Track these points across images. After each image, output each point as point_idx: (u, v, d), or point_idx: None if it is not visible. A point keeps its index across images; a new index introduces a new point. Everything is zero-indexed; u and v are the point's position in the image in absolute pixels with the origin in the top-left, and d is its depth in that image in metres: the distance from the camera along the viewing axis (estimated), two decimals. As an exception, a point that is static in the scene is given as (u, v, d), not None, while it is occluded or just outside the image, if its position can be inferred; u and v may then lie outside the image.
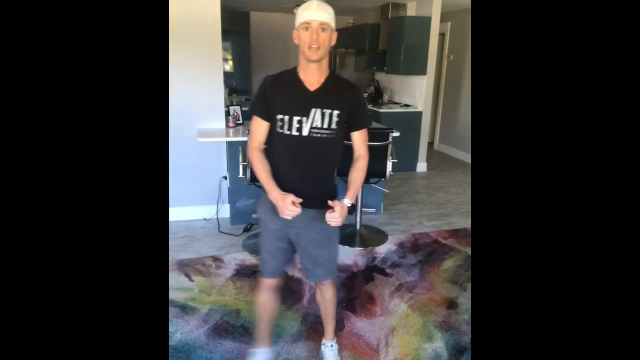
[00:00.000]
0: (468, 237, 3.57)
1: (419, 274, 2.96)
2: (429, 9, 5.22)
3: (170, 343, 2.17)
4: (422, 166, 5.66)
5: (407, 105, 5.58)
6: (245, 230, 3.63)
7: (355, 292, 2.72)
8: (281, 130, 1.65)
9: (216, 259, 3.10)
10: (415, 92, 5.53)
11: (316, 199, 1.72)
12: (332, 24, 1.60)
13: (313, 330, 2.32)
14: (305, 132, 1.63)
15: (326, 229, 1.76)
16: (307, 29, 1.56)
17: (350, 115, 1.69)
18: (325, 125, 1.64)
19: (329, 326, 2.07)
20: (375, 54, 6.09)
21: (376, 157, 3.25)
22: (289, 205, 1.61)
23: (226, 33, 4.60)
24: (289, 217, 1.63)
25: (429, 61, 5.32)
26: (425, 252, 3.30)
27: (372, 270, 3.00)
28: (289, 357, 2.12)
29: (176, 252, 3.17)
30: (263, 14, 7.17)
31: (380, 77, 6.46)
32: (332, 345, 2.07)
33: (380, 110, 5.33)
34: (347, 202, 1.71)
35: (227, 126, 3.70)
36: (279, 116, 1.64)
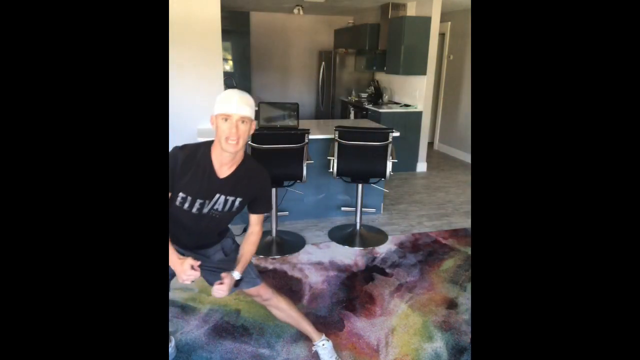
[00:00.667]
0: (468, 237, 3.57)
1: (419, 274, 2.96)
2: (429, 9, 5.22)
3: (170, 343, 2.17)
4: (422, 166, 5.66)
5: (407, 105, 5.58)
6: (245, 230, 3.62)
7: (355, 292, 2.72)
8: (180, 205, 1.66)
9: (216, 259, 3.10)
10: (415, 92, 5.53)
11: (207, 244, 1.86)
12: (252, 115, 1.59)
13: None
14: (204, 212, 1.68)
15: (224, 258, 1.88)
16: (226, 119, 1.54)
17: (252, 201, 1.76)
18: (227, 209, 1.71)
19: (307, 329, 2.06)
20: (375, 54, 6.09)
21: (376, 157, 3.26)
22: (187, 270, 1.61)
23: (226, 33, 4.60)
24: (187, 282, 1.64)
25: (429, 61, 5.33)
26: (425, 252, 3.30)
27: (372, 270, 3.00)
28: (289, 357, 2.12)
29: (176, 252, 3.17)
30: (263, 14, 7.16)
31: (380, 77, 6.46)
32: (323, 344, 2.05)
33: (380, 110, 5.33)
34: (237, 275, 1.76)
35: (227, 126, 3.69)
36: (182, 194, 1.64)
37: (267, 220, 3.67)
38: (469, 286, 2.78)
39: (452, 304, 2.59)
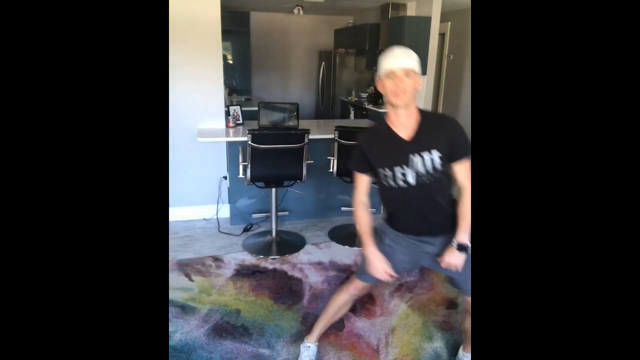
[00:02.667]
0: (468, 237, 3.57)
1: (419, 274, 2.96)
2: (429, 9, 5.22)
3: (170, 343, 2.17)
4: (422, 166, 5.65)
5: (407, 105, 5.57)
6: (245, 230, 3.63)
7: (355, 292, 2.71)
8: (387, 184, 1.66)
9: (216, 259, 3.10)
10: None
11: (436, 230, 1.73)
12: (416, 68, 1.57)
13: (311, 331, 2.32)
14: (412, 182, 1.62)
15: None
16: (391, 77, 1.55)
17: (450, 149, 1.61)
18: (430, 170, 1.60)
19: (320, 328, 2.08)
20: (375, 54, 6.08)
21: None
22: (380, 272, 1.69)
23: (226, 33, 4.59)
24: (380, 277, 1.70)
25: (429, 61, 5.32)
26: (425, 252, 3.30)
27: (372, 270, 3.00)
28: (289, 357, 2.12)
29: (176, 252, 3.17)
30: (263, 14, 7.16)
31: (380, 77, 6.44)
32: (309, 346, 2.08)
33: (381, 111, 5.33)
34: (460, 243, 1.64)
35: (227, 126, 3.70)
36: (380, 170, 1.65)
37: (266, 220, 3.68)
38: (469, 286, 2.78)
39: (452, 304, 2.59)
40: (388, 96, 1.57)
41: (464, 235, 1.62)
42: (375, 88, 6.24)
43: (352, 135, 3.22)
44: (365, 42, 6.06)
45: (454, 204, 1.70)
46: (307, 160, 3.15)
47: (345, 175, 3.36)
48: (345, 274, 2.95)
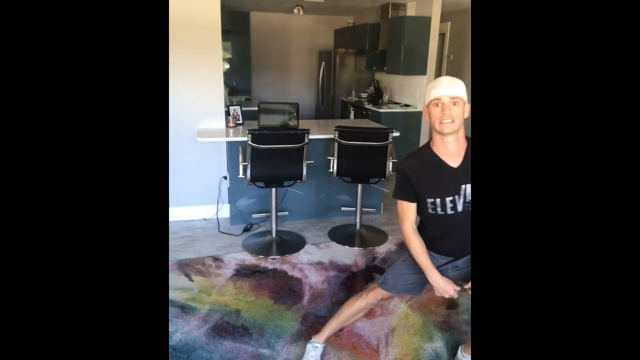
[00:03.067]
0: (468, 237, 3.57)
1: (419, 274, 2.96)
2: (429, 9, 5.22)
3: (170, 343, 2.17)
4: (422, 166, 5.65)
5: (407, 105, 5.58)
6: (245, 230, 3.63)
7: (355, 292, 2.71)
8: (434, 212, 1.63)
9: (216, 259, 3.10)
10: (415, 92, 5.53)
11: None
12: (464, 96, 1.56)
13: (313, 330, 2.31)
14: (460, 209, 1.60)
15: None
16: (437, 104, 1.53)
17: None
18: None
19: (329, 329, 2.06)
20: (375, 54, 6.09)
21: (376, 157, 3.26)
22: (451, 291, 1.67)
23: (226, 33, 4.59)
24: (450, 295, 1.69)
25: (429, 61, 5.32)
26: (425, 252, 3.30)
27: (372, 270, 3.00)
28: (289, 357, 2.12)
29: (176, 252, 3.17)
30: (263, 14, 7.16)
31: (380, 77, 6.46)
32: (317, 347, 2.06)
33: (380, 110, 5.33)
34: None
35: (227, 126, 3.70)
36: (430, 200, 1.62)
37: (266, 220, 3.68)
38: (469, 286, 2.78)
39: (452, 304, 2.59)
40: (434, 123, 1.56)
41: None
42: (375, 88, 6.24)
43: (352, 135, 3.23)
44: (365, 42, 6.06)
45: None
46: (307, 160, 3.15)
47: (345, 175, 3.36)
48: (345, 273, 2.95)
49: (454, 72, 6.47)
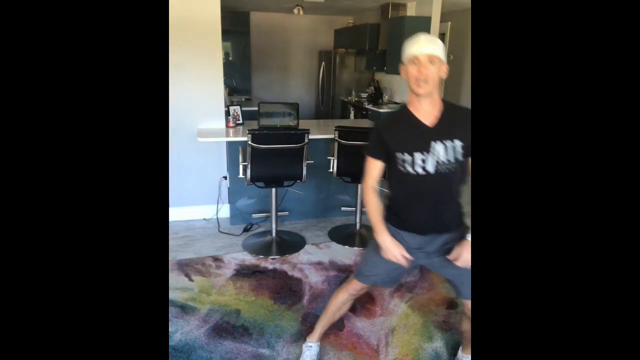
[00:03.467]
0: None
1: (419, 274, 2.96)
2: (429, 9, 5.22)
3: (170, 343, 2.17)
4: (422, 166, 5.65)
5: (407, 105, 5.57)
6: (245, 230, 3.63)
7: (355, 292, 2.72)
8: (404, 170, 1.61)
9: (216, 259, 3.10)
10: (415, 92, 5.52)
11: (445, 227, 1.71)
12: (441, 55, 1.55)
13: (313, 330, 2.32)
14: (431, 170, 1.58)
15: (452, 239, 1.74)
16: (414, 62, 1.53)
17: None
18: (452, 159, 1.58)
19: (321, 327, 2.07)
20: (375, 54, 6.09)
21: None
22: (398, 256, 1.63)
23: (226, 33, 4.59)
24: (397, 261, 1.65)
25: (429, 61, 5.32)
26: (425, 252, 3.30)
27: (372, 270, 3.00)
28: (289, 357, 2.12)
29: (176, 252, 3.17)
30: (263, 14, 7.16)
31: (380, 77, 6.46)
32: (311, 346, 2.08)
33: (380, 110, 5.33)
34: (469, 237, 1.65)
35: (227, 126, 3.70)
36: (399, 155, 1.60)
37: (266, 220, 3.68)
38: (469, 286, 2.78)
39: (452, 304, 2.59)
40: (411, 83, 1.55)
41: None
42: (375, 88, 6.24)
43: (352, 135, 3.23)
44: (365, 42, 6.06)
45: (460, 205, 1.71)
46: (307, 160, 3.15)
47: (345, 175, 3.36)
48: (345, 273, 2.95)
49: (454, 72, 6.47)
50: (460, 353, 2.09)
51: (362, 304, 2.57)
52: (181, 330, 2.29)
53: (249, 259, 3.13)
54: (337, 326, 2.35)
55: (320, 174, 3.71)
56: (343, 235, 3.58)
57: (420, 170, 1.59)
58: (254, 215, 3.75)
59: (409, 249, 1.70)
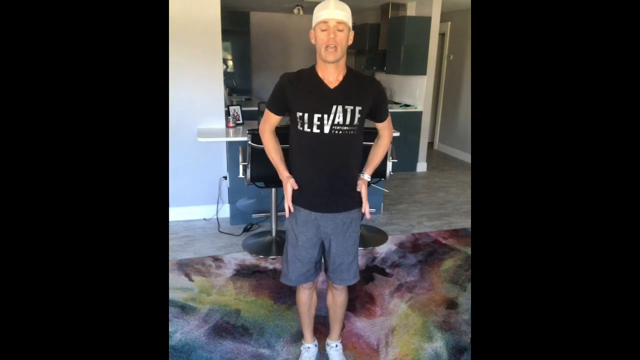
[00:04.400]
0: (468, 237, 3.57)
1: (419, 274, 2.96)
2: (429, 9, 5.22)
3: (170, 343, 2.17)
4: (422, 166, 5.66)
5: (407, 105, 5.58)
6: (245, 230, 3.63)
7: (355, 292, 2.71)
8: (301, 129, 1.65)
9: (216, 259, 3.10)
10: (415, 92, 5.53)
11: (342, 202, 1.75)
12: (350, 23, 1.59)
13: (315, 329, 2.32)
14: (326, 130, 1.62)
15: (354, 234, 1.80)
16: (324, 29, 1.55)
17: (373, 108, 1.71)
18: (347, 122, 1.63)
19: (337, 327, 2.06)
20: (375, 54, 6.09)
21: (376, 157, 3.26)
22: (290, 186, 1.71)
23: (226, 33, 4.60)
24: (286, 192, 1.72)
25: (429, 61, 5.32)
26: (425, 252, 3.30)
27: (372, 270, 3.00)
28: (289, 357, 2.12)
29: (176, 252, 3.17)
30: (263, 14, 7.16)
31: (380, 77, 6.45)
32: (336, 346, 2.07)
33: (380, 110, 5.32)
34: (367, 177, 1.77)
35: (227, 126, 3.70)
36: (299, 114, 1.63)
37: (266, 219, 3.68)
38: (469, 286, 2.78)
39: (452, 304, 2.59)
40: (320, 48, 1.57)
41: (370, 171, 1.80)
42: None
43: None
44: (365, 42, 6.06)
45: (356, 179, 1.78)
46: None
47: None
48: (345, 274, 2.95)
49: (454, 72, 6.48)
50: (327, 342, 2.11)
51: (362, 304, 2.57)
52: (181, 330, 2.28)
53: (249, 259, 3.13)
54: (337, 326, 2.35)
55: (320, 174, 3.70)
56: (343, 235, 3.57)
57: (315, 129, 1.63)
58: (254, 215, 3.75)
59: (315, 230, 1.75)
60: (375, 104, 1.70)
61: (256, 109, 3.63)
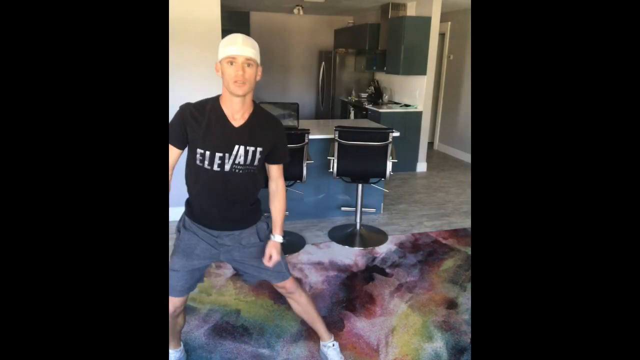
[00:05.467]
0: (468, 237, 3.57)
1: (419, 274, 2.96)
2: (429, 9, 5.22)
3: (170, 343, 2.17)
4: (422, 166, 5.66)
5: (407, 105, 5.58)
6: (245, 230, 3.62)
7: (355, 292, 2.72)
8: (200, 164, 1.61)
9: (216, 259, 3.10)
10: (415, 92, 5.53)
11: (239, 222, 1.76)
12: (258, 59, 1.58)
13: (313, 330, 2.32)
14: (227, 168, 1.61)
15: (259, 243, 1.79)
16: (231, 63, 1.52)
17: (271, 150, 1.69)
18: (248, 162, 1.63)
19: (320, 328, 2.04)
20: (375, 54, 6.09)
21: (376, 157, 3.27)
22: None
23: (226, 33, 4.60)
24: None
25: (429, 61, 5.33)
26: (425, 252, 3.30)
27: (372, 270, 3.00)
28: (289, 357, 2.12)
29: (176, 252, 3.17)
30: (263, 14, 7.16)
31: (380, 77, 6.46)
32: (333, 345, 2.06)
33: (380, 110, 5.33)
34: (279, 238, 1.76)
35: (227, 126, 3.70)
36: (200, 150, 1.59)
37: (266, 219, 3.67)
38: (469, 286, 2.78)
39: (452, 304, 2.59)
40: (228, 83, 1.54)
41: (280, 231, 1.78)
42: (375, 88, 6.24)
43: (352, 135, 3.23)
44: (365, 42, 6.06)
45: (256, 203, 1.80)
46: (307, 160, 3.15)
47: (345, 175, 3.36)
48: (345, 273, 2.95)
49: (454, 72, 6.48)
50: (322, 344, 2.09)
51: (362, 304, 2.57)
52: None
53: (249, 259, 3.13)
54: (337, 326, 2.35)
55: (320, 174, 3.71)
56: (343, 235, 3.58)
57: (216, 168, 1.61)
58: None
59: (207, 241, 1.74)
60: (275, 146, 1.69)
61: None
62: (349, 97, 6.65)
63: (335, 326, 2.34)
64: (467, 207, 4.32)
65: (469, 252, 3.28)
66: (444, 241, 3.51)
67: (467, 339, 2.26)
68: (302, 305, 1.97)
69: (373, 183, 3.56)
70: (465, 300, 2.62)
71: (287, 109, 3.60)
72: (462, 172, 5.65)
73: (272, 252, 1.72)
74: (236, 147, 1.60)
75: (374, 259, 3.18)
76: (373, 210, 4.04)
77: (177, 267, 1.78)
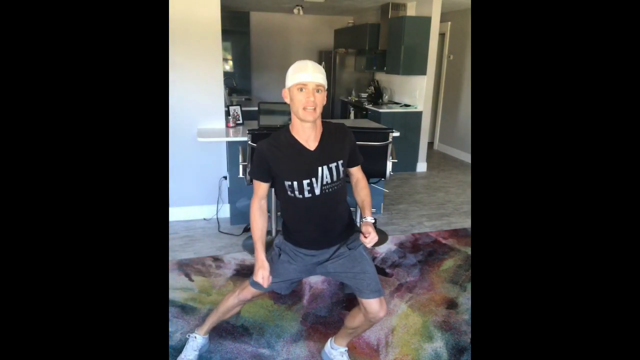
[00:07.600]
0: (468, 237, 3.57)
1: (419, 274, 2.96)
2: (429, 9, 5.22)
3: (170, 343, 2.17)
4: (422, 166, 5.66)
5: (407, 105, 5.58)
6: (245, 230, 3.63)
7: (355, 292, 2.71)
8: (292, 195, 1.66)
9: (216, 259, 3.10)
10: (415, 92, 5.53)
11: (340, 236, 1.79)
12: (326, 84, 1.60)
13: (313, 330, 2.32)
14: (317, 192, 1.65)
15: (354, 250, 1.81)
16: (302, 89, 1.55)
17: (350, 156, 1.75)
18: (335, 178, 1.67)
19: (350, 338, 2.03)
20: (375, 54, 6.09)
21: (376, 157, 3.26)
22: (259, 276, 1.69)
23: (226, 33, 4.59)
24: (259, 281, 1.70)
25: (429, 61, 5.33)
26: (425, 252, 3.30)
27: (372, 270, 3.00)
28: (289, 357, 2.12)
29: (176, 252, 3.17)
30: (263, 14, 7.16)
31: (380, 77, 6.46)
32: (346, 351, 2.05)
33: (380, 110, 5.33)
34: (371, 219, 1.76)
35: (227, 126, 3.70)
36: (287, 183, 1.64)
37: (267, 219, 3.67)
38: (469, 286, 2.78)
39: (452, 304, 2.59)
40: (298, 109, 1.57)
41: (369, 212, 1.78)
42: (375, 88, 6.24)
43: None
44: (365, 42, 6.06)
45: (350, 214, 1.84)
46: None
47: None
48: (345, 274, 2.95)
49: (454, 72, 6.48)
50: (329, 344, 2.08)
51: (362, 304, 2.57)
52: (181, 330, 2.28)
53: (249, 259, 3.13)
54: (337, 326, 2.35)
55: (320, 174, 3.70)
56: (343, 235, 3.57)
57: (307, 194, 1.65)
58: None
59: (305, 263, 1.78)
60: (350, 152, 1.74)
61: (256, 109, 3.63)
62: (349, 97, 6.65)
63: (335, 326, 2.34)
64: (467, 207, 4.32)
65: (469, 252, 3.28)
66: (444, 241, 3.51)
67: (467, 339, 2.26)
68: (378, 317, 1.84)
69: (373, 183, 3.56)
70: (465, 300, 2.62)
71: (287, 109, 3.59)
72: (462, 172, 5.65)
73: (369, 229, 1.66)
74: (319, 169, 1.64)
75: (374, 259, 3.18)
76: (373, 210, 4.03)
77: (273, 267, 1.80)
